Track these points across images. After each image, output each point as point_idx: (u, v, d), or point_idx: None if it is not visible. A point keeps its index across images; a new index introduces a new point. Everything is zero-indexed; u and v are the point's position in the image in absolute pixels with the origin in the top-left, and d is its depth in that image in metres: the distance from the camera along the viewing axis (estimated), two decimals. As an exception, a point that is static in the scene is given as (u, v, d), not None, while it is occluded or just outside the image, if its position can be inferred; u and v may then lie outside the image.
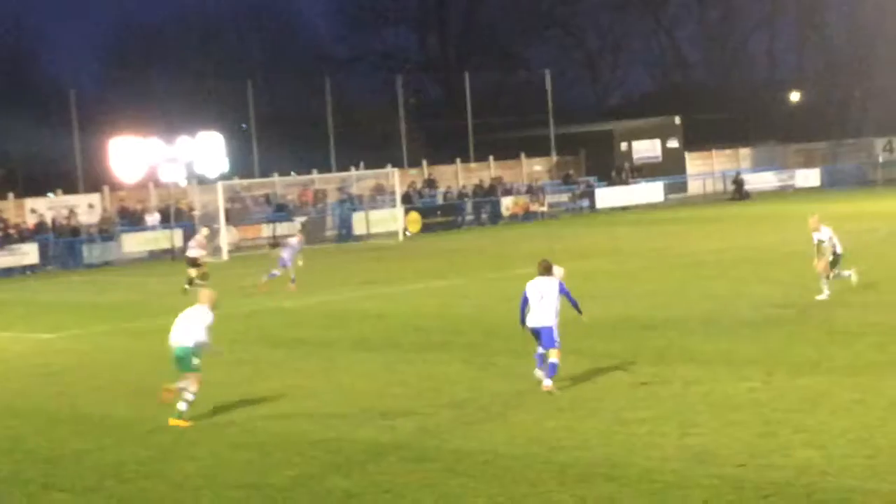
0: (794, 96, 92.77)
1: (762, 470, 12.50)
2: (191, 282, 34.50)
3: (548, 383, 17.05)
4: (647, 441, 14.00)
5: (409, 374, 19.26)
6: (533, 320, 17.47)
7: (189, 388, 16.65)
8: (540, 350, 17.54)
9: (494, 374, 18.79)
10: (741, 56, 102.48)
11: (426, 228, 57.37)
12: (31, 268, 48.00)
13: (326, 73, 71.86)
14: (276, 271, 33.88)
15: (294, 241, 35.03)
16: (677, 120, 76.81)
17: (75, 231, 50.38)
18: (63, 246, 49.77)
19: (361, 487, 12.91)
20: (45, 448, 15.83)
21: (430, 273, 36.35)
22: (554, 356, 17.22)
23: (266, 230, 54.62)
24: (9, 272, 46.90)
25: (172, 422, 16.52)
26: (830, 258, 25.24)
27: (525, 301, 17.55)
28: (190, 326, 16.85)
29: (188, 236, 51.83)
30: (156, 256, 51.63)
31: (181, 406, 16.59)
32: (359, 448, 14.58)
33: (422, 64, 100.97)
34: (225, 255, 48.67)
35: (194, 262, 35.49)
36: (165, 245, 51.80)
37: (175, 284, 37.30)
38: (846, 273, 25.61)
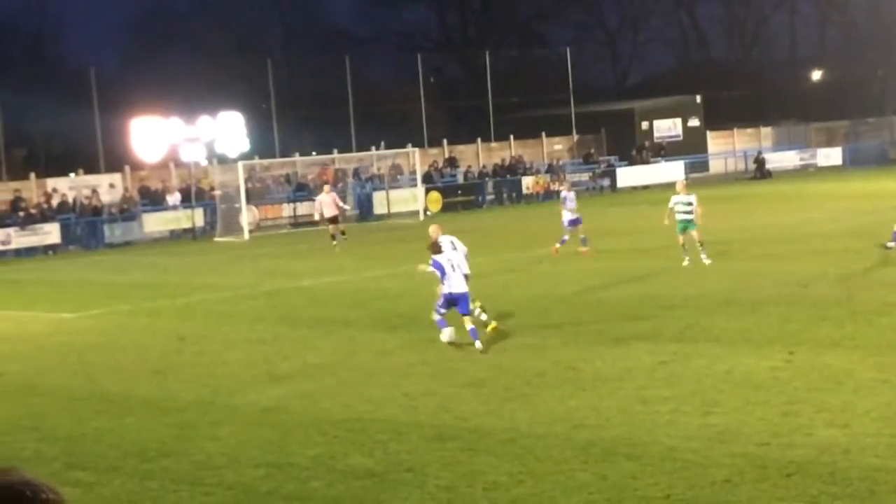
0: (816, 75, 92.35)
1: (784, 449, 12.45)
2: (334, 237, 39.54)
3: (479, 344, 19.03)
4: (668, 420, 13.96)
5: (429, 353, 19.25)
6: (454, 287, 19.57)
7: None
8: (440, 315, 19.51)
9: (515, 353, 18.77)
10: (762, 34, 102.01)
11: (447, 208, 57.29)
12: (53, 247, 48.17)
13: (346, 51, 71.75)
14: (566, 236, 32.79)
15: (569, 195, 33.90)
16: (698, 98, 76.49)
17: (96, 211, 50.52)
18: (84, 226, 49.93)
19: (383, 466, 12.91)
20: (67, 426, 15.88)
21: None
22: (469, 322, 19.39)
23: (287, 210, 54.75)
24: (31, 252, 47.09)
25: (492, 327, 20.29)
26: (681, 219, 28.65)
27: (443, 272, 19.70)
28: (461, 258, 20.56)
29: (209, 216, 52.13)
30: (177, 236, 51.79)
31: (484, 318, 20.42)
32: (380, 427, 14.58)
33: (442, 43, 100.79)
34: (246, 235, 48.77)
35: (334, 220, 40.39)
36: (186, 225, 51.95)
37: (196, 264, 37.35)
38: (688, 258, 28.31)
